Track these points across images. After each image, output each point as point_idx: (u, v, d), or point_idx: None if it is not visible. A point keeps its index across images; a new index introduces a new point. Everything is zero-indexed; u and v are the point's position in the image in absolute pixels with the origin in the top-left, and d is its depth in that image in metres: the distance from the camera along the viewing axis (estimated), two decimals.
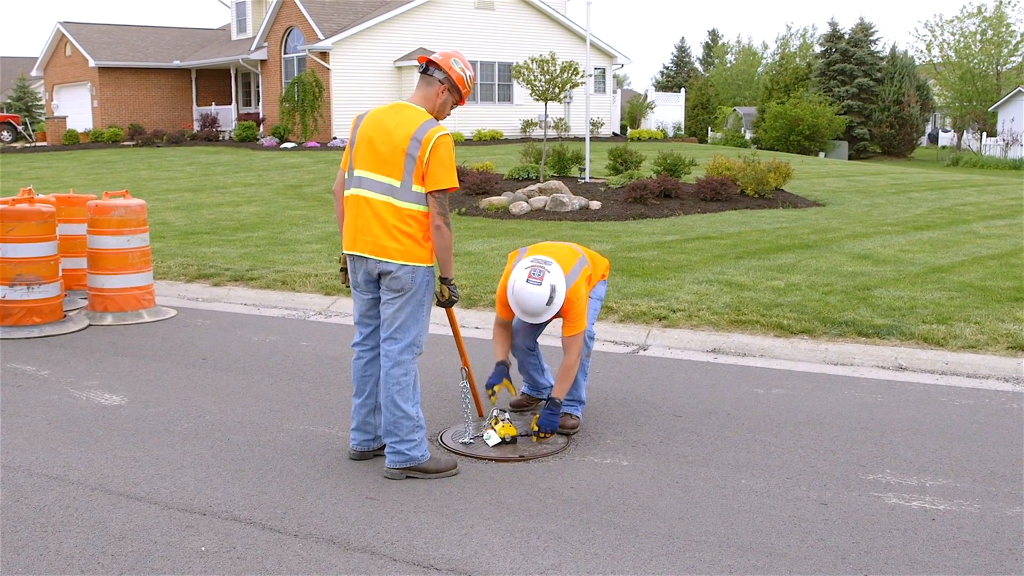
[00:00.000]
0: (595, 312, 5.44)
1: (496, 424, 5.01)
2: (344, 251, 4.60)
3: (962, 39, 53.61)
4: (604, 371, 6.42)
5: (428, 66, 4.53)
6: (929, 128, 57.43)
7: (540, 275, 4.93)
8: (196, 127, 36.25)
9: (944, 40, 54.75)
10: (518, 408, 5.69)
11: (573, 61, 18.19)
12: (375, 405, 4.72)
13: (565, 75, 17.76)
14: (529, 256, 5.11)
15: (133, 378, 6.33)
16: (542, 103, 18.77)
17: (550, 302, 4.93)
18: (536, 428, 5.08)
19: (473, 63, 33.02)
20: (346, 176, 4.59)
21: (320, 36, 31.14)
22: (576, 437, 5.15)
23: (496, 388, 5.14)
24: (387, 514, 4.11)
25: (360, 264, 4.51)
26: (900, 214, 15.23)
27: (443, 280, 4.59)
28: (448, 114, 4.64)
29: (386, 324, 4.52)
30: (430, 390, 5.87)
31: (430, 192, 4.36)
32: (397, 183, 4.37)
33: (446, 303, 4.64)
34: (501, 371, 5.17)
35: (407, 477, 4.52)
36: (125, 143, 33.00)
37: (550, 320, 5.18)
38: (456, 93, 4.57)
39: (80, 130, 34.48)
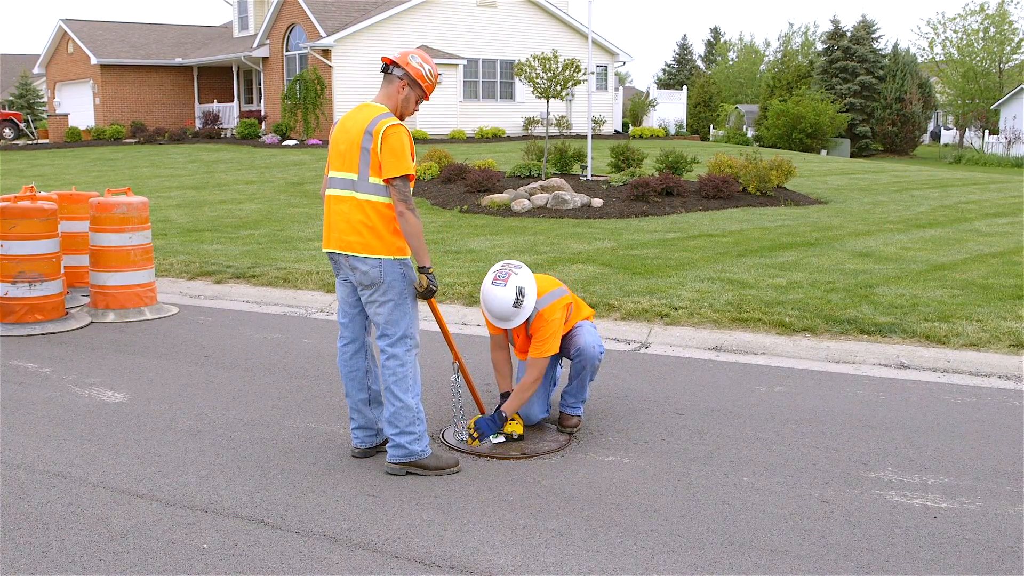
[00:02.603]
0: (598, 337, 5.27)
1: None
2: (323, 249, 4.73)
3: (965, 37, 53.55)
4: (606, 368, 6.41)
5: (388, 65, 4.63)
6: (931, 126, 57.37)
7: (506, 277, 4.90)
8: (198, 124, 36.28)
9: (947, 38, 54.72)
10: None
11: (575, 59, 18.16)
12: (368, 398, 4.77)
13: (567, 73, 17.74)
14: (500, 262, 5.09)
15: (135, 375, 6.34)
16: (544, 101, 18.76)
17: (518, 304, 4.88)
18: (472, 427, 4.95)
19: (475, 60, 33.08)
20: None
21: (322, 33, 31.14)
22: (578, 434, 5.16)
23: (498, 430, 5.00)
24: (389, 511, 4.12)
25: (334, 259, 4.64)
26: (902, 212, 15.22)
27: (420, 270, 4.58)
28: (415, 110, 4.70)
29: (376, 322, 4.59)
30: (431, 387, 5.87)
31: (387, 181, 4.42)
32: (355, 176, 4.48)
33: (424, 294, 4.56)
34: (504, 395, 5.18)
35: (407, 473, 4.53)
36: (127, 140, 33.03)
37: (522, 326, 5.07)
38: (418, 88, 4.64)
39: (82, 127, 34.49)
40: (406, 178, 4.43)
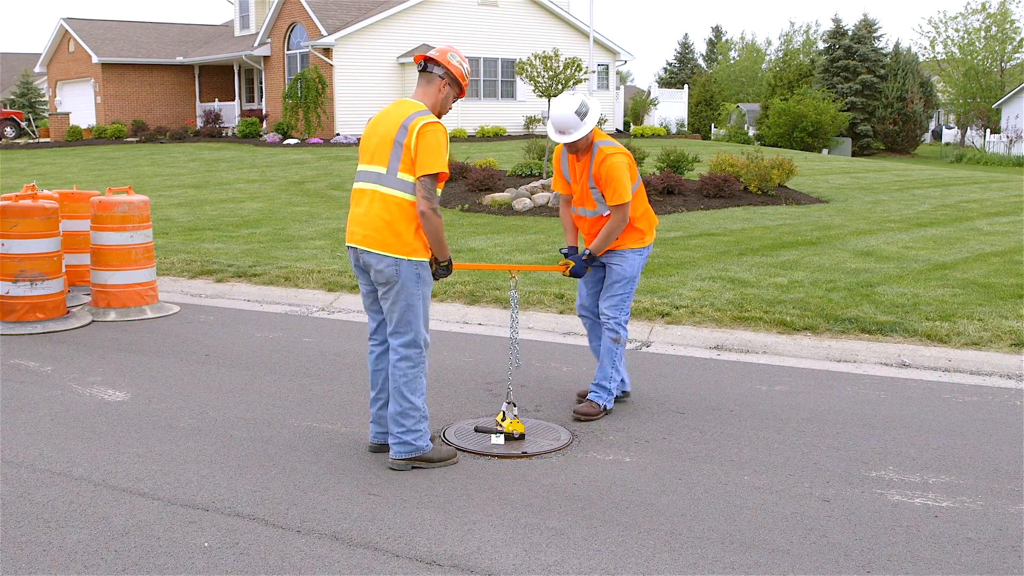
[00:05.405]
0: (630, 295, 5.46)
1: (504, 420, 5.01)
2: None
3: (966, 35, 53.52)
4: None
5: (427, 63, 4.59)
6: (933, 125, 57.32)
7: (576, 93, 5.37)
8: (199, 123, 36.28)
9: (948, 36, 54.68)
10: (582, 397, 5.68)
11: (576, 57, 18.16)
12: (386, 400, 4.76)
13: (568, 71, 17.72)
14: None
15: (136, 374, 6.34)
16: (545, 99, 18.73)
17: (580, 115, 5.16)
18: (567, 273, 5.43)
19: (476, 59, 33.04)
20: None
21: (323, 32, 31.12)
22: (579, 434, 5.15)
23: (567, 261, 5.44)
24: (390, 510, 4.12)
25: (354, 255, 4.62)
26: (903, 211, 15.21)
27: (434, 261, 4.56)
28: (450, 108, 4.70)
29: (388, 318, 4.58)
30: (432, 386, 5.87)
31: (418, 178, 4.39)
32: (384, 170, 4.46)
33: (437, 276, 4.65)
34: (570, 251, 5.52)
35: (412, 467, 4.54)
36: (128, 139, 33.02)
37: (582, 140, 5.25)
38: (456, 86, 4.65)
39: (83, 126, 34.48)
40: (435, 177, 4.39)
